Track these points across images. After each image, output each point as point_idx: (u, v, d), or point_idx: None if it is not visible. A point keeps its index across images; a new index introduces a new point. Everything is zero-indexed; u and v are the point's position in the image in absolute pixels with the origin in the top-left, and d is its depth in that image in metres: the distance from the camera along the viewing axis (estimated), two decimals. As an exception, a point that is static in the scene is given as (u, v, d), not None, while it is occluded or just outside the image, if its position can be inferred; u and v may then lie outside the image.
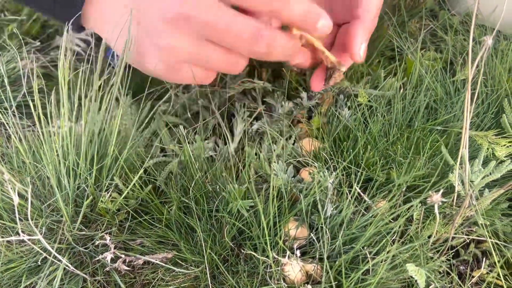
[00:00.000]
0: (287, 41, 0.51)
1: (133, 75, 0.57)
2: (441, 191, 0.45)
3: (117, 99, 0.61)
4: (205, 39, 0.50)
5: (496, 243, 0.56)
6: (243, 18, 0.48)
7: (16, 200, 0.44)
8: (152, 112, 0.68)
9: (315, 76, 0.63)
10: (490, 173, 0.52)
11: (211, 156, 0.64)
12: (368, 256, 0.49)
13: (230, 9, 0.48)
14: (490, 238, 0.55)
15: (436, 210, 0.46)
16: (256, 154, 0.61)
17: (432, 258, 0.53)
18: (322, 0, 0.61)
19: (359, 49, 0.58)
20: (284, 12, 0.49)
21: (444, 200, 0.46)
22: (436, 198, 0.45)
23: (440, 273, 0.54)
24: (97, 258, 0.52)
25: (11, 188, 0.45)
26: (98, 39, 0.85)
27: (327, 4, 0.63)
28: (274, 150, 0.60)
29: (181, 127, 0.60)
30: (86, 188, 0.54)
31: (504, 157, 0.59)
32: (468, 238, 0.57)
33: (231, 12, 0.48)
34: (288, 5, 0.49)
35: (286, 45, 0.51)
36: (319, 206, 0.53)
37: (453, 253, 0.57)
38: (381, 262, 0.49)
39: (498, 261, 0.55)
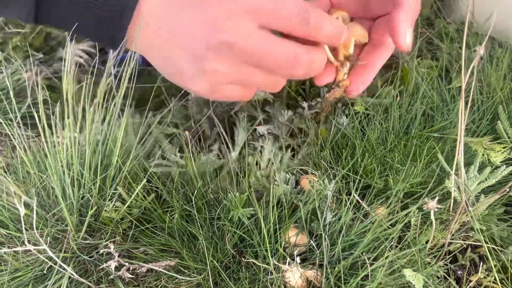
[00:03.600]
0: (324, 59, 0.55)
1: (136, 85, 0.58)
2: (437, 197, 0.46)
3: (120, 110, 0.62)
4: (247, 63, 0.52)
5: (493, 248, 0.57)
6: (282, 44, 0.51)
7: (22, 211, 0.45)
8: (152, 122, 0.69)
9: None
10: (486, 179, 0.54)
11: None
12: (367, 261, 0.50)
13: (269, 35, 0.51)
14: (487, 243, 0.56)
15: (432, 216, 0.47)
16: (256, 163, 0.62)
17: (429, 263, 0.54)
18: None
19: (405, 38, 0.54)
20: (317, 36, 0.53)
21: (439, 206, 0.47)
22: (432, 204, 0.46)
23: (438, 278, 0.55)
24: (102, 267, 0.53)
25: (17, 200, 0.46)
26: (101, 51, 0.87)
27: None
28: (275, 159, 0.62)
29: (186, 133, 0.61)
30: (90, 197, 0.55)
31: (499, 162, 0.60)
32: (465, 243, 0.58)
33: (270, 38, 0.51)
34: (321, 30, 0.52)
35: (322, 63, 0.55)
36: (319, 214, 0.54)
37: (450, 258, 0.58)
38: (380, 267, 0.50)
39: (495, 266, 0.56)
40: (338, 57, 0.60)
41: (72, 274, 0.51)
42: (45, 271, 0.53)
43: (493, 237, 0.59)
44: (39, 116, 0.55)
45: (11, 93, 0.62)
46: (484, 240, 0.55)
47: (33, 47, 0.85)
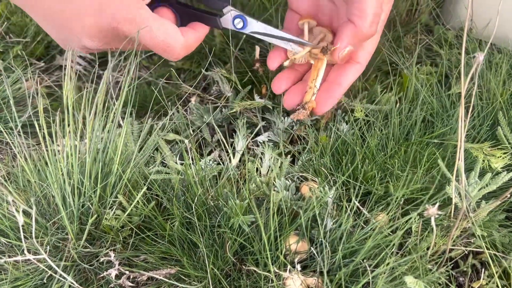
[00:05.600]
0: None
1: (136, 93, 0.58)
2: (438, 204, 0.46)
3: (121, 117, 0.63)
4: None
5: (495, 254, 0.57)
6: None
7: (20, 220, 0.45)
8: (153, 130, 0.69)
9: (289, 93, 0.64)
10: (487, 185, 0.53)
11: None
12: (368, 268, 0.49)
13: None
14: (488, 249, 0.56)
15: (433, 223, 0.47)
16: (257, 170, 0.62)
17: (431, 270, 0.54)
18: (324, 19, 0.62)
19: (340, 51, 0.57)
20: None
21: (440, 212, 0.47)
22: (432, 211, 0.45)
23: (439, 284, 0.54)
24: (102, 275, 0.53)
25: (16, 209, 0.46)
26: (101, 58, 0.87)
27: (327, 22, 0.64)
28: (274, 165, 0.62)
29: (186, 141, 0.62)
30: (90, 206, 0.55)
31: (500, 168, 0.60)
32: (467, 250, 0.58)
33: None
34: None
35: None
36: (319, 220, 0.54)
37: (452, 265, 0.58)
38: (381, 274, 0.49)
39: (497, 272, 0.56)
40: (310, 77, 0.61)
41: (72, 283, 0.51)
42: (45, 280, 0.53)
43: (495, 243, 0.59)
44: (39, 125, 0.55)
45: (12, 102, 0.63)
46: (486, 246, 0.55)
47: (35, 56, 0.85)
